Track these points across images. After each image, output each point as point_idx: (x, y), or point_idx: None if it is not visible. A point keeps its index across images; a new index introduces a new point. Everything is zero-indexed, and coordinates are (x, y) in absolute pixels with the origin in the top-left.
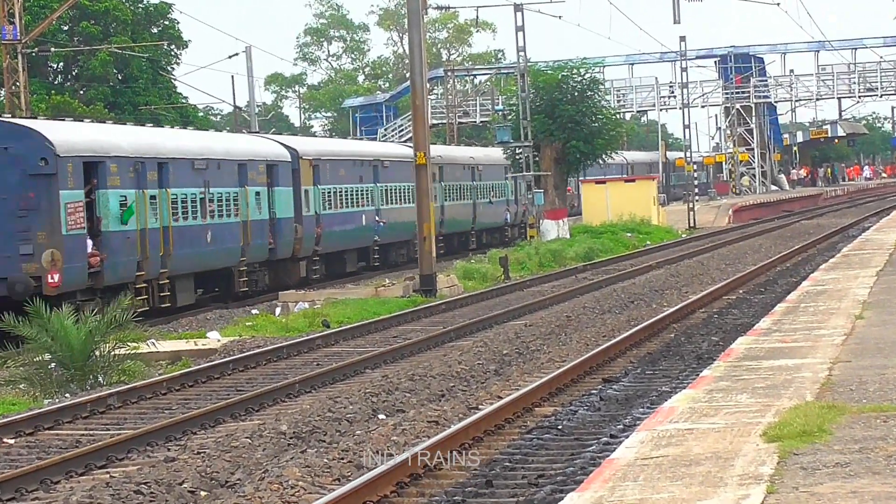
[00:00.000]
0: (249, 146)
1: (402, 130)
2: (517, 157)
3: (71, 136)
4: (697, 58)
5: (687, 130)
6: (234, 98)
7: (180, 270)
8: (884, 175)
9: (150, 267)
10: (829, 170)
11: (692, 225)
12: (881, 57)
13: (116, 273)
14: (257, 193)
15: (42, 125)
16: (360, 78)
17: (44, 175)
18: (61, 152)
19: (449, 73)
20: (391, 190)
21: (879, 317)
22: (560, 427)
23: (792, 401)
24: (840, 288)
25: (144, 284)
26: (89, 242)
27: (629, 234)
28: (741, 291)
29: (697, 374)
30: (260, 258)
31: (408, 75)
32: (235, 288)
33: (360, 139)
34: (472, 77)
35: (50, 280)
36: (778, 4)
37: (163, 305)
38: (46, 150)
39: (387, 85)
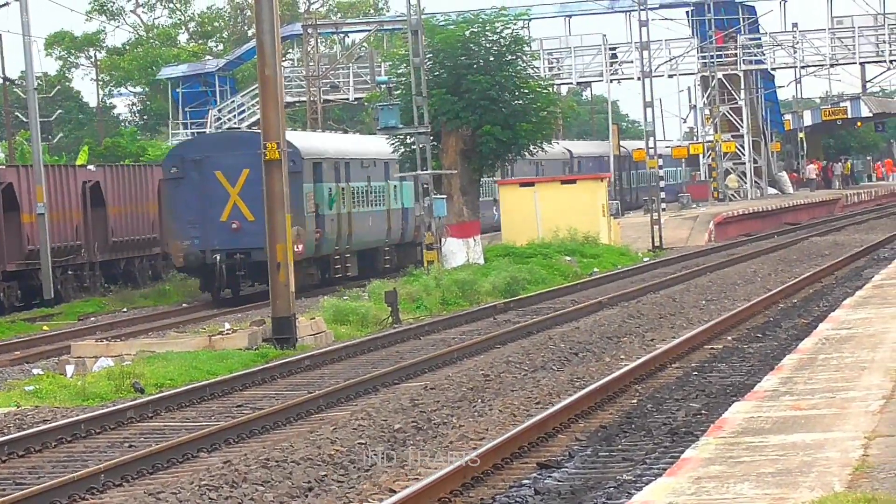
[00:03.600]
0: (388, 147)
1: (244, 111)
2: (409, 148)
3: (306, 143)
4: (662, 7)
5: (649, 110)
6: (2, 67)
7: (355, 248)
8: None
9: (342, 244)
10: (848, 164)
11: (658, 244)
12: None
13: (328, 247)
14: (395, 187)
15: (290, 135)
16: (183, 37)
17: (293, 172)
18: (304, 155)
19: (310, 31)
20: (484, 184)
21: None
22: None
23: (814, 492)
24: (873, 332)
25: (338, 257)
26: None
27: (568, 258)
28: (730, 338)
29: (669, 455)
30: (395, 241)
31: (251, 33)
32: (380, 265)
33: (185, 123)
34: (342, 36)
35: (296, 249)
36: None
37: (348, 275)
38: (295, 154)
39: (220, 48)
